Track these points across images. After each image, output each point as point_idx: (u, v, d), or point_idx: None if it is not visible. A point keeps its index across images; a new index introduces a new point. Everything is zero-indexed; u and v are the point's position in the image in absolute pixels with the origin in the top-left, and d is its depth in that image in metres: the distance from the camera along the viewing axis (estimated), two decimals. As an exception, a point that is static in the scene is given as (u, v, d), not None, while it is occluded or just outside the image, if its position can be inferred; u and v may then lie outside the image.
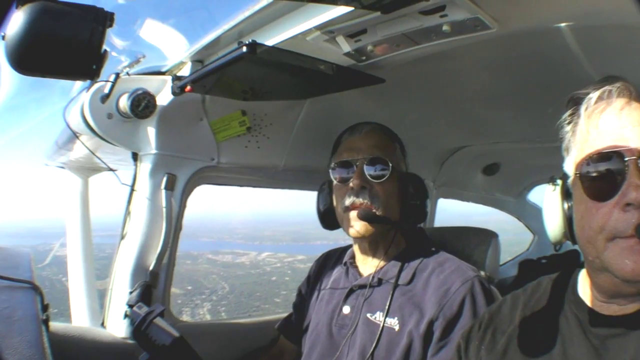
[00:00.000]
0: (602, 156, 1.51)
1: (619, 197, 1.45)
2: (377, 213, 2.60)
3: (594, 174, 1.52)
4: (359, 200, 2.61)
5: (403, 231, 2.77)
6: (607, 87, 1.58)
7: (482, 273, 2.65)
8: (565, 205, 1.69)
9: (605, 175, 1.49)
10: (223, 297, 50.75)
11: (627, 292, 1.54)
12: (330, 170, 2.78)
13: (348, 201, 2.64)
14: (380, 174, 2.64)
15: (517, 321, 1.86)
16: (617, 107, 1.55)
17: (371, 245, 2.73)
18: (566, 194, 1.69)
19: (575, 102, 1.67)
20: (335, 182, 2.76)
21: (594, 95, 1.60)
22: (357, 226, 2.62)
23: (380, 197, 2.62)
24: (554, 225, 1.73)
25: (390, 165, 2.64)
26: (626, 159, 1.45)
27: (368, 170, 2.64)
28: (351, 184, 2.63)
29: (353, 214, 2.63)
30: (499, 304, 2.04)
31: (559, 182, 1.73)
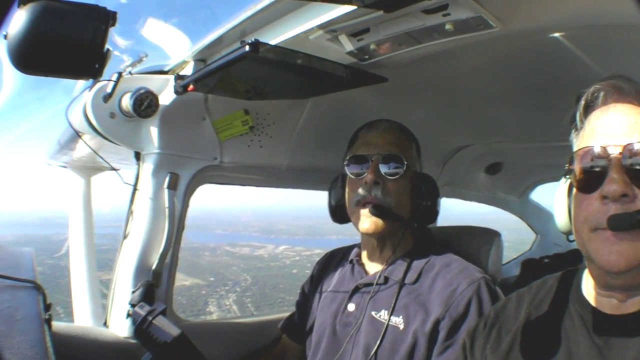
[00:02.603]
0: (589, 152, 1.58)
1: (601, 190, 1.52)
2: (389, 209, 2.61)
3: (583, 168, 1.59)
4: (371, 195, 2.61)
5: (411, 231, 2.77)
6: (597, 86, 1.65)
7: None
8: (571, 198, 1.72)
9: (591, 170, 1.56)
10: (247, 288, 51.68)
11: (614, 284, 1.59)
12: (344, 165, 2.78)
13: (360, 195, 2.64)
14: (395, 171, 2.65)
15: (522, 320, 1.88)
16: (605, 105, 1.62)
17: (379, 242, 2.73)
18: (572, 188, 1.72)
19: (578, 101, 1.70)
20: (349, 175, 2.76)
21: (586, 93, 1.68)
22: (368, 222, 2.62)
23: (393, 194, 2.63)
24: (560, 217, 1.79)
25: (405, 163, 2.65)
26: (610, 154, 1.51)
27: (383, 167, 2.65)
28: (365, 179, 2.63)
29: (364, 210, 2.63)
30: (504, 303, 2.05)
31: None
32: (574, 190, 1.65)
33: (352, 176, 2.74)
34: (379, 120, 2.84)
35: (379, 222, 2.61)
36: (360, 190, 2.65)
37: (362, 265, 2.84)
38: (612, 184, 1.47)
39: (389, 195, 2.62)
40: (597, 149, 1.55)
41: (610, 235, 1.47)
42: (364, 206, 2.64)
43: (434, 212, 2.79)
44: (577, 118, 1.70)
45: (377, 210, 2.58)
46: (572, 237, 1.76)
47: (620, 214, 1.45)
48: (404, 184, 2.68)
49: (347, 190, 2.81)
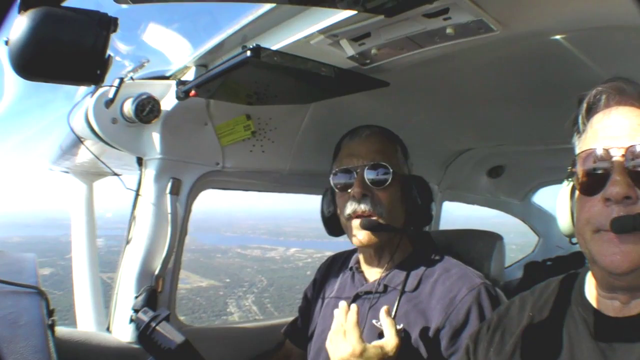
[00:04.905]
0: (592, 154, 1.58)
1: (603, 192, 1.52)
2: (380, 221, 2.58)
3: (585, 171, 1.59)
4: (361, 208, 2.58)
5: (409, 235, 2.75)
6: (598, 89, 1.65)
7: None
8: (574, 201, 1.73)
9: (594, 172, 1.57)
10: (264, 289, 52.83)
11: (617, 285, 1.59)
12: (331, 177, 2.76)
13: (350, 209, 2.62)
14: (382, 178, 2.61)
15: (525, 323, 1.88)
16: (608, 107, 1.61)
17: (376, 252, 2.71)
18: (574, 190, 1.72)
19: (580, 104, 1.70)
20: (336, 190, 2.74)
21: (588, 97, 1.68)
22: (360, 235, 2.60)
23: (383, 204, 2.60)
24: (562, 219, 1.80)
25: (392, 170, 2.62)
26: (612, 156, 1.52)
27: (369, 177, 2.61)
28: (352, 193, 2.61)
29: (356, 222, 2.61)
30: (507, 306, 2.05)
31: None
32: (577, 192, 1.65)
33: (338, 190, 2.73)
34: (360, 127, 2.81)
35: (371, 235, 2.59)
36: (349, 204, 2.62)
37: (361, 272, 2.83)
38: (615, 186, 1.47)
39: (380, 205, 2.60)
40: (599, 152, 1.55)
41: (613, 237, 1.48)
42: (355, 219, 2.62)
43: (428, 214, 2.76)
44: (580, 121, 1.70)
45: (368, 224, 2.56)
46: (574, 240, 1.76)
47: (623, 217, 1.46)
48: (394, 191, 2.65)
49: (337, 203, 2.79)
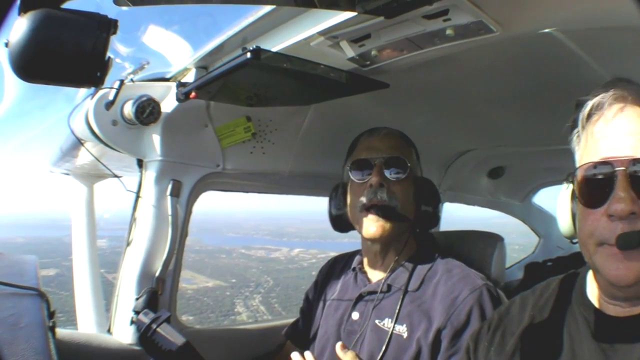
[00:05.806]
0: (594, 166, 1.56)
1: (607, 206, 1.50)
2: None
3: (587, 183, 1.57)
4: (377, 198, 2.60)
5: (414, 236, 2.76)
6: (601, 96, 1.61)
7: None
8: (575, 203, 1.72)
9: (596, 185, 1.54)
10: (270, 289, 52.92)
11: (619, 295, 1.58)
12: (347, 170, 2.78)
13: (366, 199, 2.62)
14: (399, 172, 2.65)
15: (526, 322, 1.88)
16: (609, 116, 1.58)
17: (382, 249, 2.72)
18: (574, 194, 1.71)
19: (579, 108, 1.69)
20: (353, 180, 2.75)
21: (589, 104, 1.64)
22: (374, 227, 2.60)
23: (397, 197, 2.62)
24: (563, 222, 1.78)
25: (408, 165, 2.66)
26: (615, 169, 1.49)
27: (387, 168, 2.65)
28: (370, 182, 2.62)
29: (370, 215, 2.62)
30: (507, 305, 2.05)
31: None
32: (578, 202, 1.63)
33: (355, 181, 2.73)
34: (378, 127, 2.84)
35: (385, 225, 2.59)
36: (365, 194, 2.63)
37: (364, 273, 2.83)
38: (619, 203, 1.45)
39: (394, 198, 2.61)
40: (601, 164, 1.53)
41: (618, 252, 1.46)
42: (369, 211, 2.62)
43: (435, 217, 2.78)
44: (579, 126, 1.68)
45: (385, 211, 2.58)
46: (575, 240, 1.75)
47: (628, 233, 1.44)
48: (408, 186, 2.68)
49: (349, 196, 2.80)
